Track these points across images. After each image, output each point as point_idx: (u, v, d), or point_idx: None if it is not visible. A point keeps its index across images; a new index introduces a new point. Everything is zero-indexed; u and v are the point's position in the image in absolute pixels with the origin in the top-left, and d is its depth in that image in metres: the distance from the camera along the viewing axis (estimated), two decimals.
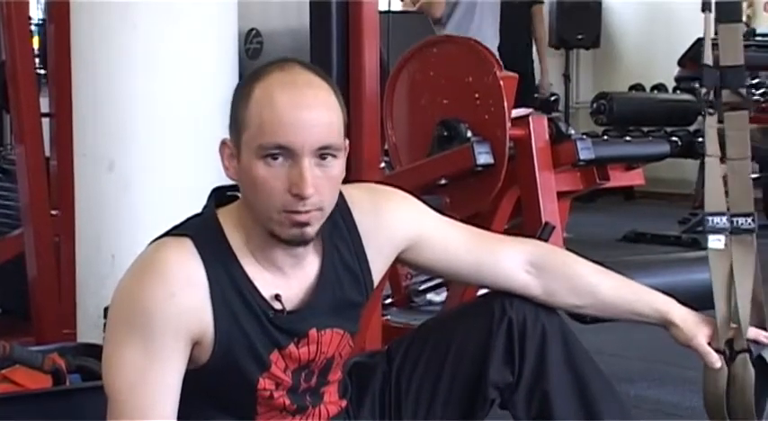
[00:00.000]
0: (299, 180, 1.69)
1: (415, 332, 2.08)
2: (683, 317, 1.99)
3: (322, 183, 1.72)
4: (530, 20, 7.53)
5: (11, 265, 3.68)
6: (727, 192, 2.03)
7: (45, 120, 3.51)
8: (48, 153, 3.51)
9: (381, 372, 2.02)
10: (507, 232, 2.99)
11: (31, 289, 3.45)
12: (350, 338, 1.90)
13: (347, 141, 1.80)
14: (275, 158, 1.70)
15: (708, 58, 2.05)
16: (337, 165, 1.75)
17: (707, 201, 2.05)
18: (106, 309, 1.78)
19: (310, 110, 1.71)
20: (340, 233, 1.88)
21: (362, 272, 1.90)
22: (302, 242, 1.76)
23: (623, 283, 2.04)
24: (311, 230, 1.74)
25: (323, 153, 1.71)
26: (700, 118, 6.75)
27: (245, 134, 1.73)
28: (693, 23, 5.71)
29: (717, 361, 1.96)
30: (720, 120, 2.04)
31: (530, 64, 7.56)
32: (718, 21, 2.03)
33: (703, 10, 2.05)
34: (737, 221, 2.01)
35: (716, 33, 2.05)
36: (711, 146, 2.05)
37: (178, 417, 1.72)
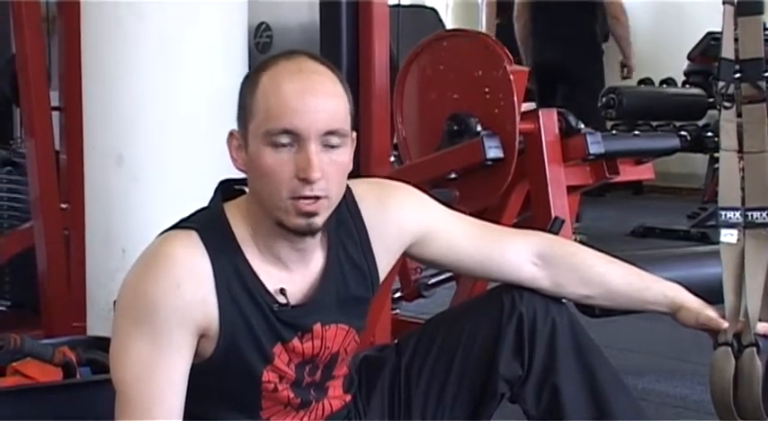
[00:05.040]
0: (306, 164, 1.70)
1: (425, 326, 2.08)
2: (693, 301, 2.00)
3: (329, 170, 1.72)
4: None
5: (21, 259, 3.69)
6: (742, 187, 2.02)
7: (55, 114, 3.51)
8: (57, 146, 3.52)
9: (391, 366, 2.02)
10: (517, 226, 2.98)
11: (41, 282, 3.46)
12: (355, 334, 1.90)
13: (354, 133, 1.81)
14: (282, 145, 1.71)
15: (727, 52, 2.04)
16: (344, 153, 1.76)
17: (721, 195, 2.04)
18: (116, 303, 1.79)
19: (316, 95, 1.72)
20: (347, 228, 1.88)
21: (369, 267, 1.91)
22: (308, 232, 1.77)
23: (631, 272, 2.04)
24: (318, 220, 1.75)
25: (329, 138, 1.72)
26: (709, 112, 6.73)
27: (252, 122, 1.74)
28: (703, 17, 5.71)
29: (724, 322, 1.96)
30: (739, 114, 2.03)
31: None
32: (738, 13, 2.02)
33: (724, 2, 2.04)
34: (752, 215, 2.00)
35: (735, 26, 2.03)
36: (728, 140, 2.03)
37: (184, 412, 1.73)
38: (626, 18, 6.80)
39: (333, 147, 1.73)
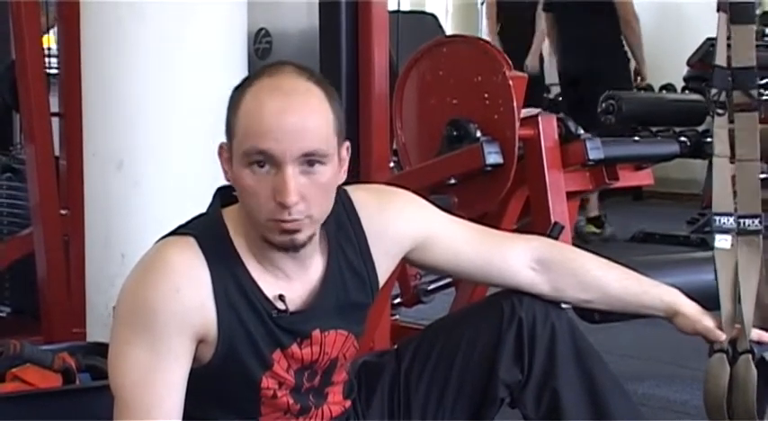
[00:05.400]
0: (282, 188, 1.68)
1: (425, 332, 2.09)
2: (690, 306, 2.00)
3: (309, 191, 1.70)
4: (533, 18, 7.42)
5: (21, 265, 3.69)
6: (735, 193, 2.03)
7: (55, 120, 3.51)
8: (57, 152, 3.52)
9: (390, 372, 2.02)
10: (516, 232, 2.98)
11: (41, 288, 3.46)
12: (354, 340, 1.90)
13: (347, 144, 1.79)
14: (261, 166, 1.70)
15: (720, 59, 2.04)
16: (326, 172, 1.73)
17: (715, 202, 2.05)
18: (114, 308, 1.79)
19: (292, 115, 1.69)
20: (346, 234, 1.88)
21: (368, 273, 1.91)
22: (293, 248, 1.76)
23: (629, 276, 2.05)
24: (302, 236, 1.74)
25: (309, 160, 1.70)
26: (708, 118, 6.73)
27: (234, 140, 1.73)
28: (702, 23, 5.71)
29: (721, 335, 1.96)
30: (731, 121, 2.03)
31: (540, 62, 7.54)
32: (731, 21, 2.02)
33: (718, 10, 2.04)
34: (744, 222, 2.01)
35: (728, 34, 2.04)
36: (720, 146, 2.04)
37: (183, 417, 1.73)
38: (638, 24, 6.80)
39: (313, 167, 1.71)
